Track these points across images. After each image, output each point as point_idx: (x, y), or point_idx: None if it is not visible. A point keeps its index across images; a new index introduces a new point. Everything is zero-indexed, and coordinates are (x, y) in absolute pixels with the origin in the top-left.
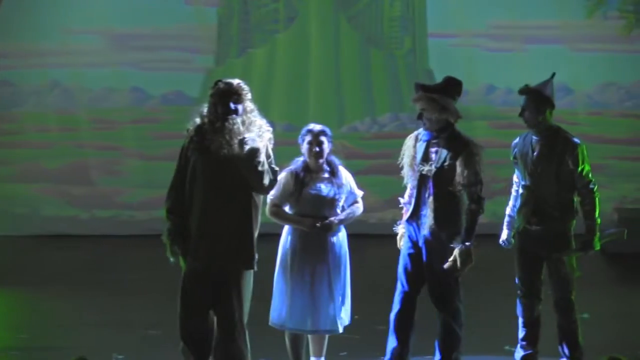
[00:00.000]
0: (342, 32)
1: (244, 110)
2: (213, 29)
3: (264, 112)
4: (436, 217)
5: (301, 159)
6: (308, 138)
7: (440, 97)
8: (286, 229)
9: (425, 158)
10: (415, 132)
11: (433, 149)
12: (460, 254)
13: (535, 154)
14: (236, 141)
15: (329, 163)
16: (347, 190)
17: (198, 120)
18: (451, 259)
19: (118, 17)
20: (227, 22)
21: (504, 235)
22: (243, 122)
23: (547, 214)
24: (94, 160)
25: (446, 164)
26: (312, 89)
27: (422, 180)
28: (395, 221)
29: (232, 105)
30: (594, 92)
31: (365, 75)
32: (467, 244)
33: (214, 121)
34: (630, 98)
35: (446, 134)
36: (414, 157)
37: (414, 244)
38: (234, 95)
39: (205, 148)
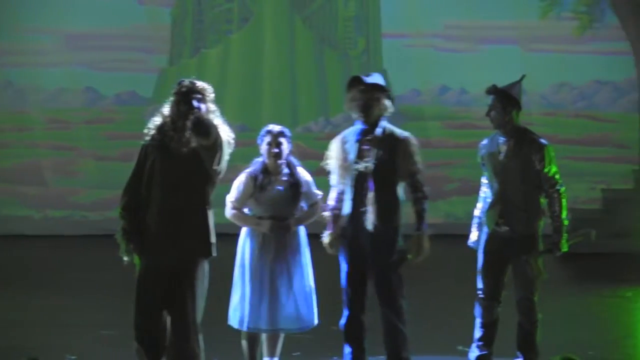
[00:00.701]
0: (296, 33)
1: (207, 110)
2: (166, 29)
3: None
4: (378, 212)
5: (260, 159)
6: (267, 139)
7: (385, 87)
8: (245, 229)
9: (360, 156)
10: (340, 135)
11: (366, 146)
12: (415, 241)
13: (501, 154)
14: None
15: (288, 164)
16: (306, 191)
17: (159, 119)
18: (408, 251)
19: (71, 16)
20: (180, 22)
21: (474, 236)
22: None
23: (514, 215)
24: (48, 161)
25: (385, 158)
26: (266, 89)
27: (359, 178)
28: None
29: (195, 103)
30: (547, 92)
31: (319, 75)
32: (420, 231)
33: (175, 120)
34: (583, 98)
35: (380, 129)
36: (344, 158)
37: (354, 245)
38: (198, 94)
39: (165, 146)
